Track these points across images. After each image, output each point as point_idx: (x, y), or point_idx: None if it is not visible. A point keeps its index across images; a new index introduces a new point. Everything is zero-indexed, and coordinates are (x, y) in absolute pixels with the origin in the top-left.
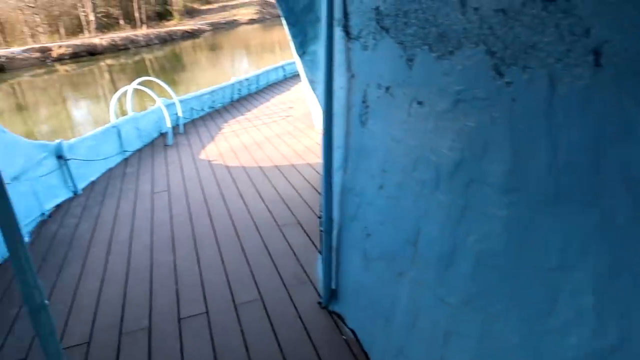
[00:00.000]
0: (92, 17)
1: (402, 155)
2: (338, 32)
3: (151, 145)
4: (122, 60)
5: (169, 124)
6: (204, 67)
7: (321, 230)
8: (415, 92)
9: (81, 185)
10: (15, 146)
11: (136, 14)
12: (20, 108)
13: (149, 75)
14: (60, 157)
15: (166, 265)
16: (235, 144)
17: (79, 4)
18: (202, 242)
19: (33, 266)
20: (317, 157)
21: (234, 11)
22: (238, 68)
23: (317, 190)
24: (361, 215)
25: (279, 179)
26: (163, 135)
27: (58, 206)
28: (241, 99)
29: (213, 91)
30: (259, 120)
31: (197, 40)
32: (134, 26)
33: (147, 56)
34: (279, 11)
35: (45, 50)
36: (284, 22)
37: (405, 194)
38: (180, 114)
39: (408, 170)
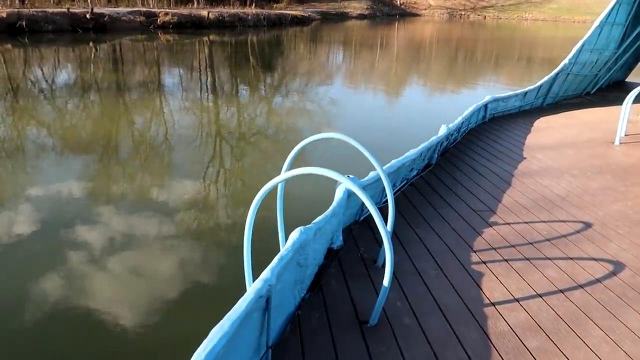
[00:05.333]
0: None
1: None
2: None
3: None
4: (226, 38)
5: (387, 247)
6: (303, 57)
7: None
8: None
9: None
10: None
11: None
12: (116, 71)
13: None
14: None
15: None
16: None
17: None
18: None
19: None
20: None
21: (345, 3)
22: (335, 63)
23: None
24: None
25: None
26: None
27: None
28: (441, 163)
29: (420, 153)
30: (540, 254)
31: (304, 29)
32: (243, 4)
33: (252, 37)
34: None
35: (150, 16)
36: None
37: None
38: (390, 213)
39: None
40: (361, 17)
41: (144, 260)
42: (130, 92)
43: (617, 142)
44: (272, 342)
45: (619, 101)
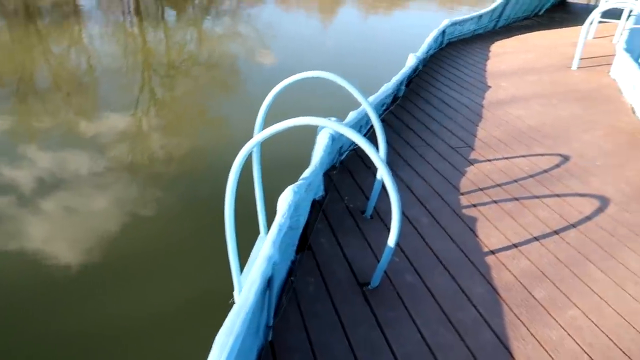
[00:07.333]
0: None
1: None
2: None
3: None
4: None
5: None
6: None
7: None
8: None
9: None
10: None
11: None
12: None
13: None
14: None
15: None
16: None
17: None
18: None
19: None
20: None
21: None
22: None
23: None
24: None
25: None
26: None
27: None
28: (408, 95)
29: (395, 87)
30: None
31: None
32: None
33: None
34: None
35: None
36: None
37: None
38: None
39: None
40: None
41: (77, 198)
42: (42, 16)
43: (574, 67)
44: (272, 320)
45: (566, 23)
